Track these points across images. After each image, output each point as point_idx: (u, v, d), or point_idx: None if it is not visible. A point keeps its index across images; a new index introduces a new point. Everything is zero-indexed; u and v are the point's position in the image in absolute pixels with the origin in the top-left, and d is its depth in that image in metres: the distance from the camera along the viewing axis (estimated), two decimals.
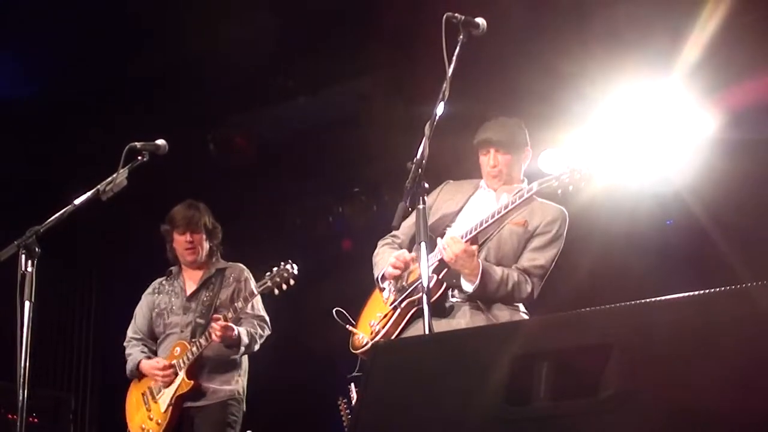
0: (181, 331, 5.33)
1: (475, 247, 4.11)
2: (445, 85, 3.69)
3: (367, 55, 6.96)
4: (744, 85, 6.01)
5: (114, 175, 3.96)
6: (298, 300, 5.71)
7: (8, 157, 7.52)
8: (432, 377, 2.44)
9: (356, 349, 4.40)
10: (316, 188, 8.44)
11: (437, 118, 3.71)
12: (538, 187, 4.00)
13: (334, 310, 4.47)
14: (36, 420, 6.25)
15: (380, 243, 4.66)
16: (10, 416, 6.02)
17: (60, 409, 6.78)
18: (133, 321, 5.61)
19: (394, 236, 4.60)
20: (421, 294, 3.69)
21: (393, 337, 4.20)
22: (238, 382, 5.34)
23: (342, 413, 6.04)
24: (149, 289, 5.65)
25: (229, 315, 5.11)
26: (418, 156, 3.56)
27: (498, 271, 4.15)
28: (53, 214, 3.85)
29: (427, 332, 3.38)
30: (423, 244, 3.47)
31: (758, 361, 2.02)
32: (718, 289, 2.13)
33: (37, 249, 3.70)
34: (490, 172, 4.43)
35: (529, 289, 4.21)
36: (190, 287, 5.47)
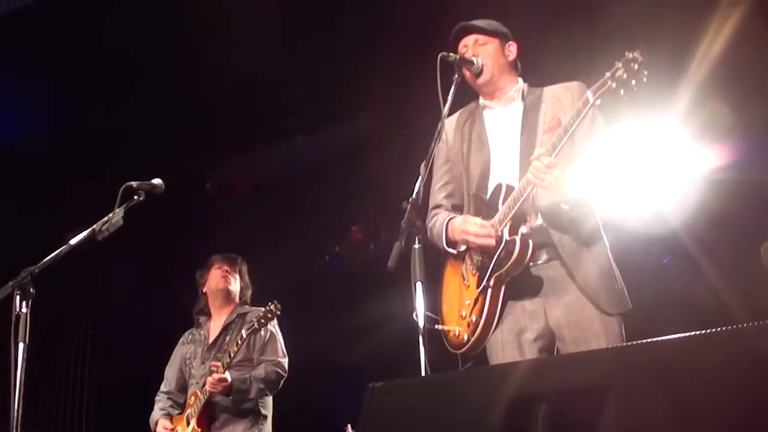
0: (197, 383, 5.40)
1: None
2: (440, 124, 3.71)
3: (365, 94, 7.00)
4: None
5: (110, 215, 3.94)
6: (296, 337, 5.72)
7: (3, 197, 7.53)
8: (428, 420, 2.42)
9: (457, 349, 3.79)
10: (312, 227, 8.45)
11: (433, 157, 3.72)
12: (594, 95, 3.39)
13: (414, 315, 3.52)
14: None
15: (429, 216, 4.04)
16: None
17: None
18: (165, 372, 5.71)
19: (437, 209, 4.06)
20: (504, 269, 3.61)
21: (495, 322, 3.68)
22: (258, 429, 5.31)
23: None
24: (180, 340, 5.76)
25: (226, 360, 5.11)
26: (414, 196, 3.54)
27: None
28: (49, 254, 3.84)
29: (423, 373, 3.32)
30: (419, 284, 3.44)
31: (756, 401, 2.01)
32: (715, 330, 2.12)
33: (32, 290, 3.68)
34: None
35: None
36: (212, 336, 5.56)
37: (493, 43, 3.98)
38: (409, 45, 6.16)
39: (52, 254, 3.84)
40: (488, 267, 3.68)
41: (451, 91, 3.75)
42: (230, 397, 5.19)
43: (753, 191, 6.10)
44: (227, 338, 5.42)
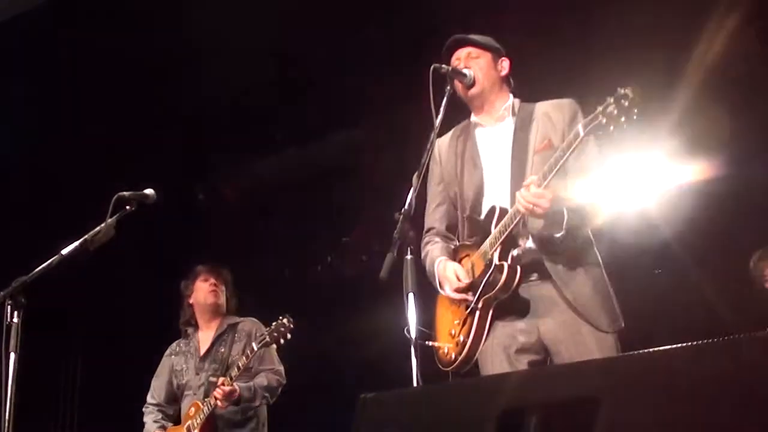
0: (194, 394, 5.38)
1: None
2: (432, 135, 3.70)
3: (359, 105, 7.00)
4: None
5: (102, 225, 3.93)
6: (288, 348, 5.72)
7: None
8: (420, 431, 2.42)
9: (446, 366, 3.81)
10: (305, 238, 8.44)
11: (425, 168, 3.72)
12: (585, 129, 3.37)
13: (406, 330, 3.49)
14: None
15: (424, 241, 4.08)
16: None
17: None
18: (152, 383, 5.66)
19: (430, 234, 4.08)
20: (492, 293, 3.61)
21: (482, 343, 3.70)
22: None
23: None
24: (168, 351, 5.72)
25: (234, 373, 5.10)
26: (406, 207, 3.53)
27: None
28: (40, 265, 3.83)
29: (415, 385, 3.31)
30: (411, 295, 3.43)
31: (746, 412, 2.01)
32: (707, 341, 2.13)
33: (23, 300, 3.66)
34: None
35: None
36: (204, 346, 5.53)
37: (485, 57, 3.98)
38: (403, 57, 6.17)
39: (44, 264, 3.83)
40: (477, 289, 3.70)
41: (443, 102, 3.75)
42: (238, 406, 5.20)
43: (744, 203, 6.12)
44: (221, 348, 5.40)
